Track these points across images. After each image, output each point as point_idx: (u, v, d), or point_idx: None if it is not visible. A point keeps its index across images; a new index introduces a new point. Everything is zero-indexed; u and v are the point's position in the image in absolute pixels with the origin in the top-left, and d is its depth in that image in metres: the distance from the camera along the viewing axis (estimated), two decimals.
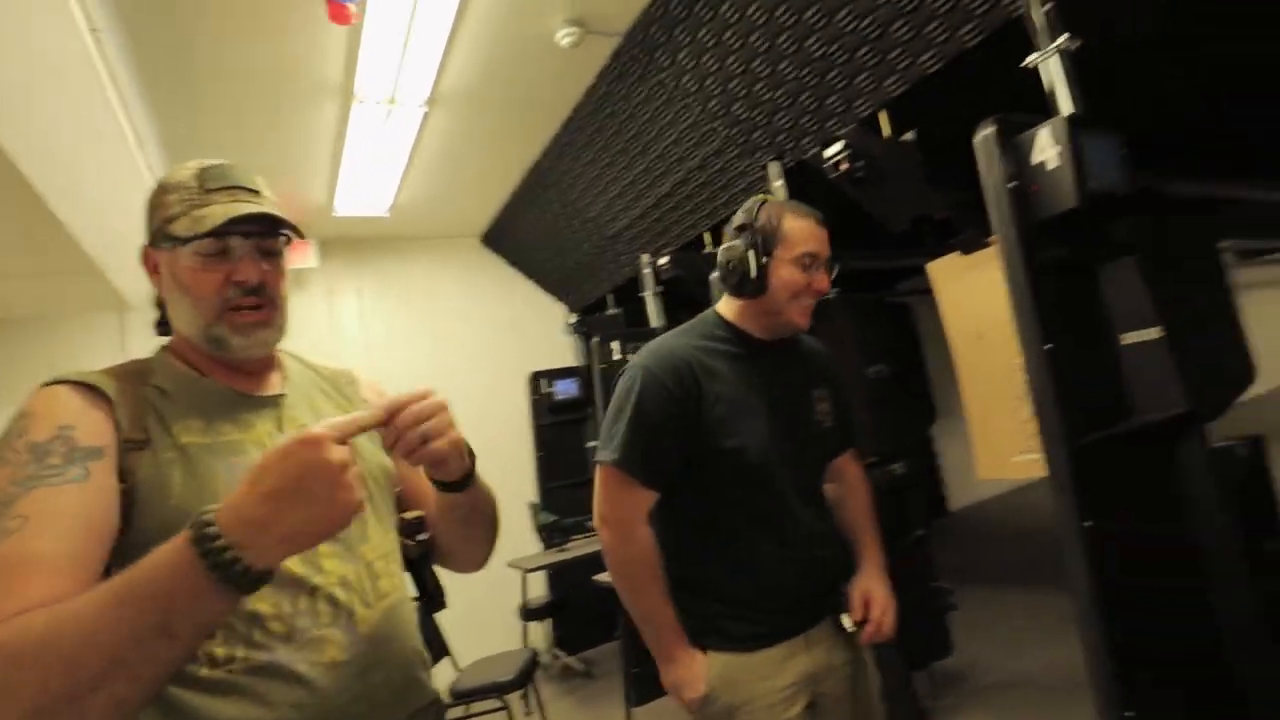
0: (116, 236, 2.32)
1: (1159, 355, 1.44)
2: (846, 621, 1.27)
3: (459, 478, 0.84)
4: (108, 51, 1.66)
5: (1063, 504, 1.32)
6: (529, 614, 4.02)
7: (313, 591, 0.77)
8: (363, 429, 0.66)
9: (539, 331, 4.90)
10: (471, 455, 0.86)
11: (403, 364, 4.35)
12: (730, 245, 1.30)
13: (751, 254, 1.26)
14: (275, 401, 0.88)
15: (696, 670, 1.20)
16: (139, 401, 0.78)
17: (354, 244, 4.41)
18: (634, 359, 1.31)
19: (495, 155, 3.59)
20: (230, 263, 0.83)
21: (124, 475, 0.73)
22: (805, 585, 1.26)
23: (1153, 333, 1.45)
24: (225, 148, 3.00)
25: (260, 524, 0.58)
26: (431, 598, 0.97)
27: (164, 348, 0.89)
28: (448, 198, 4.03)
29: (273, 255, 0.87)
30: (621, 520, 1.23)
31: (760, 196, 1.36)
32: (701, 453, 1.23)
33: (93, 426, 0.73)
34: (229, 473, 0.77)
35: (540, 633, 4.29)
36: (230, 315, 0.83)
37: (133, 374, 0.81)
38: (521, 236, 4.59)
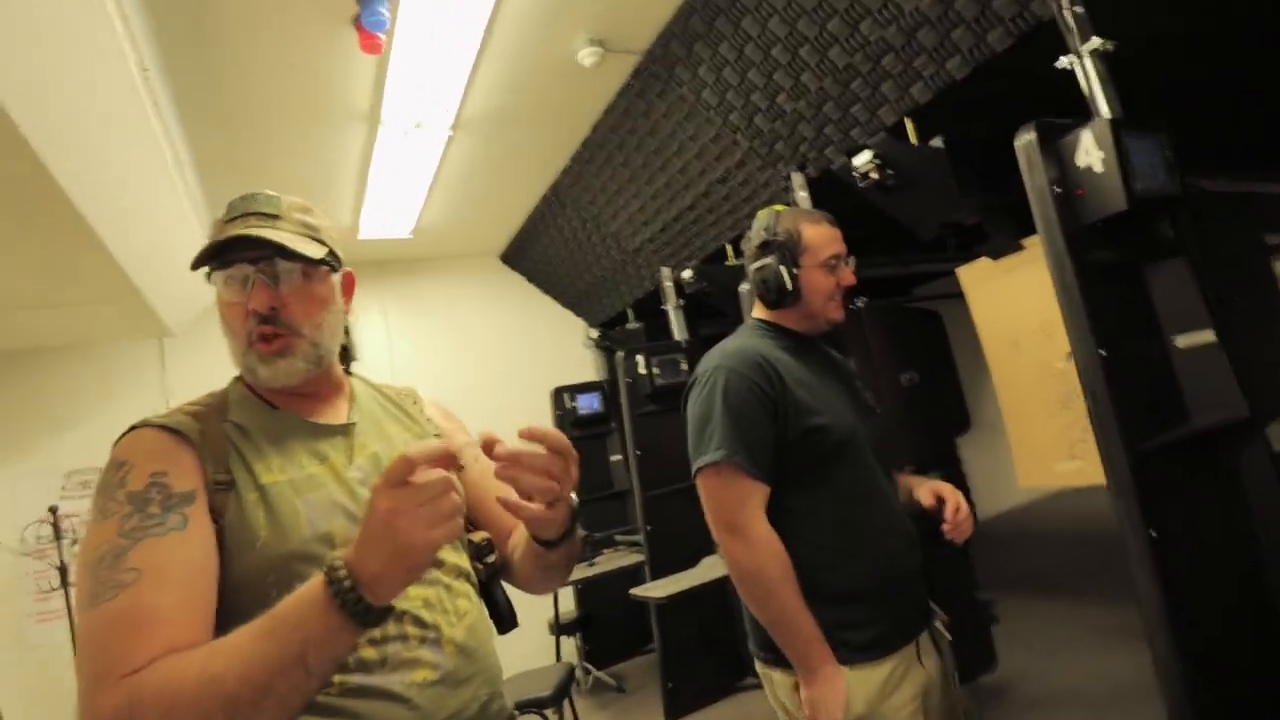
0: (157, 260, 2.36)
1: (1214, 358, 1.41)
2: (941, 628, 1.28)
3: (555, 536, 0.84)
4: (154, 87, 1.70)
5: (1126, 513, 1.29)
6: (561, 629, 4.00)
7: (400, 616, 0.78)
8: (424, 461, 0.63)
9: (559, 347, 4.91)
10: (575, 515, 0.84)
11: (427, 382, 4.33)
12: (763, 264, 1.36)
13: (783, 269, 1.33)
14: (346, 430, 0.89)
15: (839, 688, 1.15)
16: (220, 441, 0.79)
17: (378, 266, 4.45)
18: (704, 365, 1.33)
19: (516, 175, 3.62)
20: (249, 292, 0.82)
21: (215, 515, 0.74)
22: (910, 562, 1.26)
23: (1206, 335, 1.42)
24: (257, 173, 3.05)
25: (364, 565, 0.63)
26: (503, 619, 0.96)
27: (237, 378, 0.89)
28: (468, 218, 4.07)
29: (300, 281, 0.84)
30: (740, 523, 1.19)
31: (772, 209, 1.42)
32: (793, 438, 1.23)
33: (183, 471, 0.75)
34: (308, 509, 0.78)
35: (569, 647, 4.26)
36: (257, 345, 0.83)
37: (212, 410, 0.82)
38: (541, 253, 4.62)
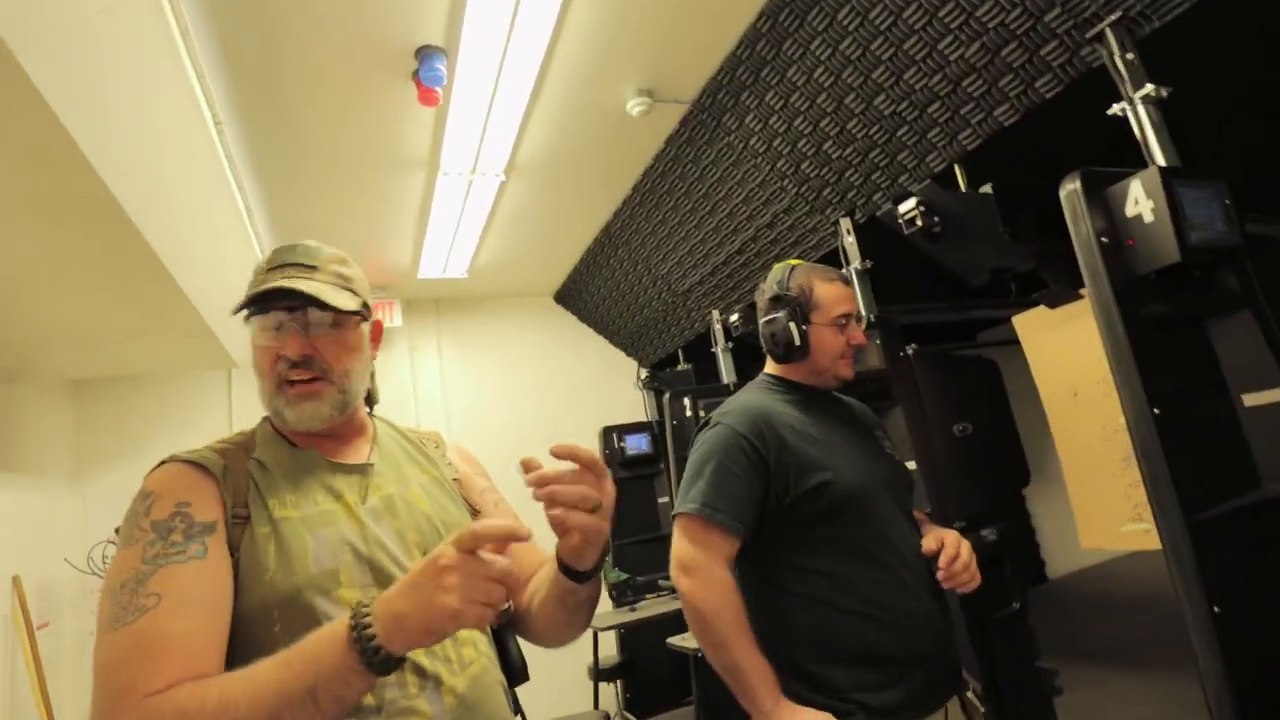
0: (228, 301, 2.52)
1: None
2: (973, 698, 1.21)
3: (589, 568, 0.84)
4: (227, 139, 1.85)
5: (1185, 587, 1.19)
6: (600, 674, 3.93)
7: (400, 662, 0.79)
8: (494, 538, 0.67)
9: (610, 387, 4.94)
10: (606, 547, 0.86)
11: (478, 417, 4.48)
12: (772, 318, 1.38)
13: (792, 325, 1.34)
14: (363, 470, 0.91)
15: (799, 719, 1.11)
16: (241, 476, 0.83)
17: (434, 303, 4.62)
18: (710, 419, 1.34)
19: (568, 218, 3.72)
20: (282, 338, 0.87)
21: (231, 548, 0.78)
22: (930, 624, 1.20)
23: (1278, 393, 1.32)
24: (323, 218, 3.25)
25: (394, 602, 0.66)
26: (514, 670, 0.95)
27: (265, 417, 0.93)
28: (522, 259, 4.20)
29: (331, 330, 0.88)
30: (699, 565, 1.19)
31: (787, 263, 1.43)
32: (794, 497, 1.21)
33: (205, 502, 0.79)
34: (318, 545, 0.80)
35: (608, 694, 4.17)
36: (285, 389, 0.87)
37: (239, 448, 0.87)
38: (593, 294, 4.70)
